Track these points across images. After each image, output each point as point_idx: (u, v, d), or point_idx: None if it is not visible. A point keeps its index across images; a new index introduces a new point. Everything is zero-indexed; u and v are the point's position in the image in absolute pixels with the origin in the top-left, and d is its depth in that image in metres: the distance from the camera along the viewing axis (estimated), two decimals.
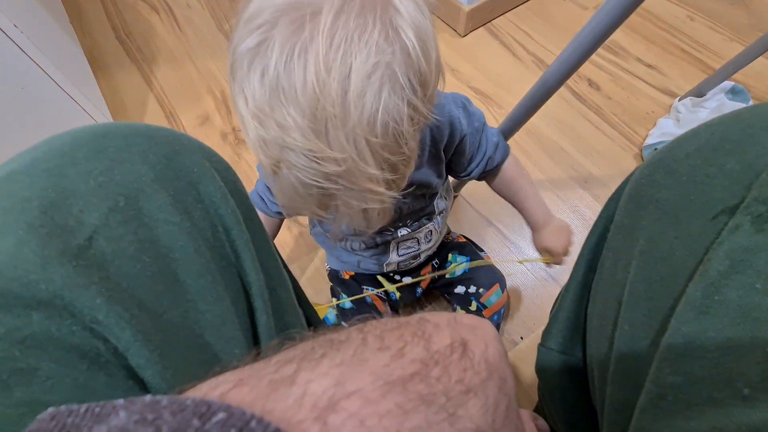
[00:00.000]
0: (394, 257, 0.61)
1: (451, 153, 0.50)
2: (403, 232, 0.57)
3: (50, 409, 0.11)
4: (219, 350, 0.25)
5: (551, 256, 0.60)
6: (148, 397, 0.11)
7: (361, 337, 0.14)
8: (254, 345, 0.29)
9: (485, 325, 0.18)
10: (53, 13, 1.03)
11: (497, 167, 0.57)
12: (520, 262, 0.66)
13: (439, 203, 0.58)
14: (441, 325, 0.16)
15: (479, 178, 0.59)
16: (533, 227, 0.61)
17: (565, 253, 0.59)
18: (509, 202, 0.62)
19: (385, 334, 0.15)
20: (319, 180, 0.30)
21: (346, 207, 0.33)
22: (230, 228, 0.28)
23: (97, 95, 1.00)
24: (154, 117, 1.01)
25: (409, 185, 0.39)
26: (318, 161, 0.29)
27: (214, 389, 0.12)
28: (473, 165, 0.54)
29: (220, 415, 0.10)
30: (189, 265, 0.24)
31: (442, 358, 0.15)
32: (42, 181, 0.22)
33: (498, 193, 0.61)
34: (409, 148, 0.31)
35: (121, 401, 0.11)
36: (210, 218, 0.27)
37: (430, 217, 0.58)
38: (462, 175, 0.56)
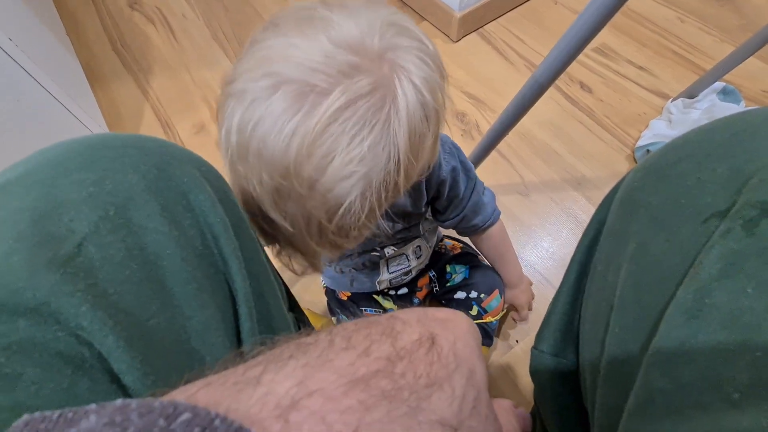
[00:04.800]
0: (385, 275, 0.61)
1: (432, 192, 0.48)
2: (390, 251, 0.57)
3: (25, 416, 0.11)
4: (204, 355, 0.25)
5: (517, 310, 0.72)
6: (119, 401, 0.11)
7: (328, 339, 0.15)
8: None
9: (458, 318, 0.18)
10: (50, 27, 1.04)
11: (476, 230, 0.57)
12: (492, 319, 0.69)
13: (424, 224, 0.57)
14: (410, 321, 0.17)
15: (459, 233, 0.59)
16: (508, 286, 0.69)
17: (530, 308, 0.71)
18: (489, 262, 0.68)
19: (353, 335, 0.15)
20: (265, 227, 0.32)
21: (283, 248, 0.36)
22: (219, 236, 0.28)
23: (93, 106, 1.01)
24: (150, 127, 1.02)
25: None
26: (269, 220, 0.30)
27: (182, 393, 0.13)
28: (449, 214, 0.52)
29: (186, 415, 0.10)
30: (176, 273, 0.25)
31: (408, 354, 0.15)
32: (34, 192, 0.22)
33: (479, 251, 0.66)
34: (360, 233, 0.32)
35: (93, 406, 0.11)
36: (199, 226, 0.27)
37: (416, 236, 0.58)
38: (440, 219, 0.55)
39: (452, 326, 0.17)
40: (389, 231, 0.50)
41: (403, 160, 0.29)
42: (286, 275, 0.82)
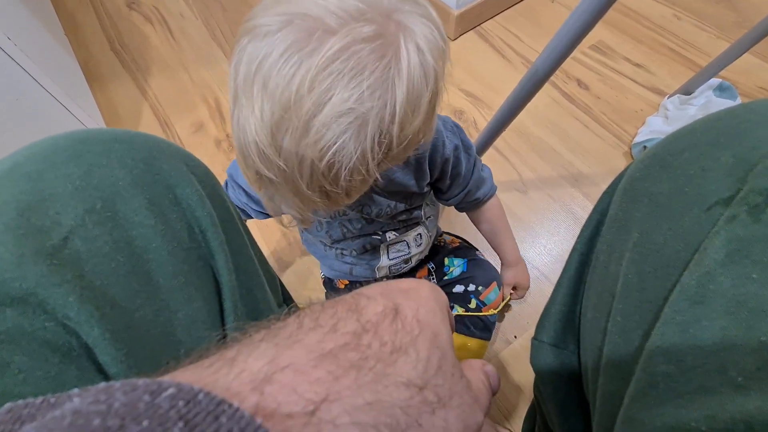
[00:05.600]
0: (385, 261, 0.61)
1: (436, 172, 0.50)
2: (391, 236, 0.58)
3: (8, 404, 0.11)
4: (190, 348, 0.25)
5: (515, 290, 0.71)
6: (102, 384, 0.11)
7: (297, 321, 0.15)
8: None
9: (420, 286, 0.19)
10: (48, 27, 1.05)
11: (478, 203, 0.59)
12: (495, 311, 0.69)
13: (425, 210, 0.59)
14: (374, 295, 0.17)
15: (459, 209, 0.61)
16: (505, 265, 0.69)
17: (527, 287, 0.71)
18: (486, 238, 0.67)
19: (320, 315, 0.16)
20: (260, 167, 0.32)
21: (275, 193, 0.36)
22: (206, 229, 0.28)
23: (92, 106, 1.01)
24: (148, 126, 1.02)
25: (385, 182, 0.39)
26: (264, 156, 0.31)
27: (161, 376, 0.13)
28: (453, 192, 0.55)
29: (170, 390, 0.10)
30: (163, 266, 0.25)
31: (373, 326, 0.15)
32: (20, 185, 0.23)
33: (477, 227, 0.66)
34: (352, 185, 0.33)
35: (76, 390, 0.11)
36: (186, 220, 0.28)
37: (417, 221, 0.59)
38: (443, 198, 0.57)
39: (415, 295, 0.18)
40: (390, 210, 0.51)
41: (399, 112, 0.29)
42: (287, 273, 0.82)
